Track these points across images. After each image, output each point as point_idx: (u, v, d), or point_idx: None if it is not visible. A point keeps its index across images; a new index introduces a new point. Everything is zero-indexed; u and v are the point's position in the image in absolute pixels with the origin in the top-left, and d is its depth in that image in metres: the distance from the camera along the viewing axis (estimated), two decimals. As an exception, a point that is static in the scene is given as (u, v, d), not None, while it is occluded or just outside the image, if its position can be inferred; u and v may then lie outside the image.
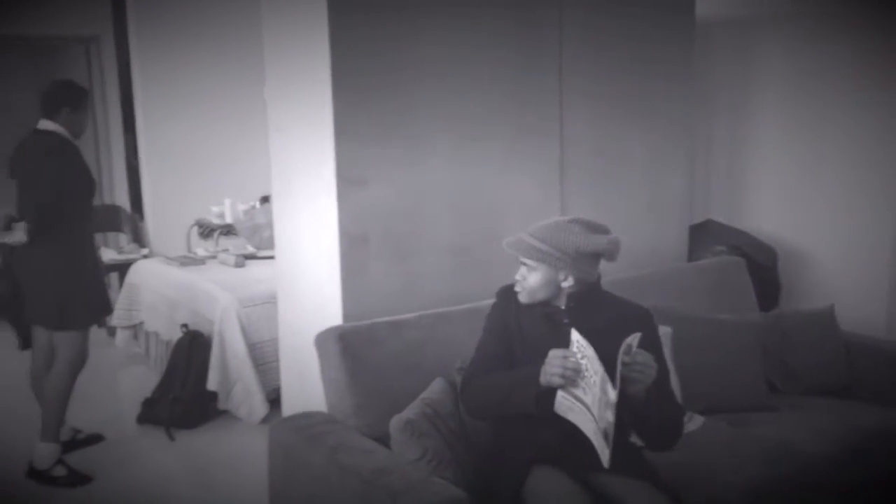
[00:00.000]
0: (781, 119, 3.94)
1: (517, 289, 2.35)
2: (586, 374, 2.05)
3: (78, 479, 3.56)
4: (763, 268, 3.79)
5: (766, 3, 3.92)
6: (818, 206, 3.84)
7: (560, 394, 2.10)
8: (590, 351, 2.05)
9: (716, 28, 4.03)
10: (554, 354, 2.09)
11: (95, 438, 3.98)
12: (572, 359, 2.06)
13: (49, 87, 3.58)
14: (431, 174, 3.04)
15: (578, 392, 2.07)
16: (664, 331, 3.05)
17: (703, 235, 3.95)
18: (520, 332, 2.35)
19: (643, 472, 2.25)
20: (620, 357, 2.04)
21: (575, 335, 2.08)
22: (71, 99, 3.56)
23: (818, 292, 3.80)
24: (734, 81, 4.10)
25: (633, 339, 2.09)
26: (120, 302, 5.23)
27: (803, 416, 2.96)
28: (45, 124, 3.53)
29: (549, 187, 3.37)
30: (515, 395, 2.18)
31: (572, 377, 2.05)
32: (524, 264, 2.31)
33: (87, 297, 3.56)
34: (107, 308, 3.88)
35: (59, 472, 3.56)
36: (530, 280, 2.30)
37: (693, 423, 2.90)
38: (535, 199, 3.31)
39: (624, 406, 2.10)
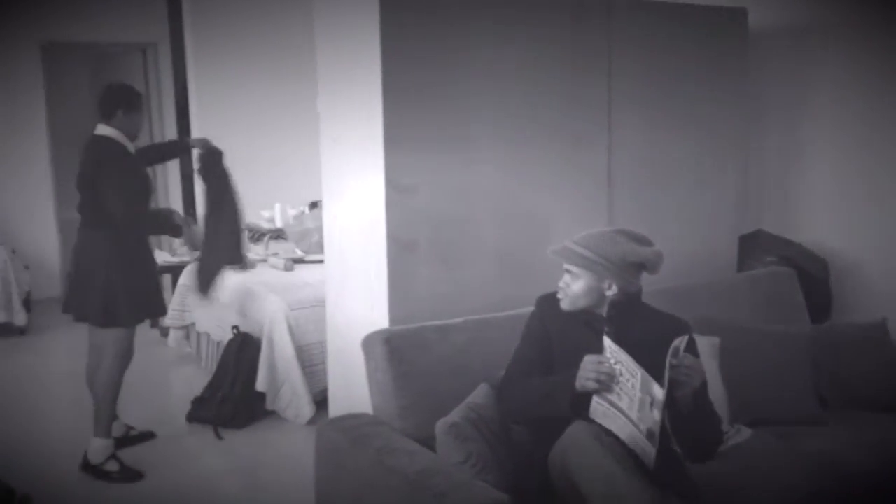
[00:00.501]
0: (835, 127, 3.87)
1: (560, 296, 2.40)
2: (621, 379, 2.08)
3: (130, 475, 3.65)
4: (814, 279, 3.73)
5: (820, 11, 3.87)
6: (871, 217, 3.77)
7: (595, 399, 2.13)
8: (623, 356, 2.09)
9: (769, 35, 3.99)
10: (588, 360, 2.14)
11: (147, 435, 4.08)
12: (606, 364, 2.10)
13: (103, 91, 3.70)
14: (479, 180, 3.06)
15: (613, 398, 2.11)
16: (712, 341, 3.04)
17: (754, 245, 3.90)
18: (559, 340, 2.39)
19: (684, 485, 2.23)
20: (669, 359, 2.07)
21: (607, 342, 2.13)
22: (125, 100, 3.65)
23: (871, 305, 3.72)
24: (787, 89, 4.04)
25: (681, 341, 2.12)
26: (173, 303, 5.34)
27: (853, 430, 2.90)
28: (102, 129, 3.63)
29: (596, 195, 3.36)
30: (551, 399, 2.22)
31: (607, 382, 2.10)
32: (568, 272, 2.36)
33: (134, 296, 3.64)
34: (158, 309, 3.97)
35: (112, 467, 3.65)
36: (574, 287, 2.35)
37: (740, 435, 2.86)
38: (582, 207, 3.31)
39: (669, 410, 2.11)
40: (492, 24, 3.03)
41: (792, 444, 2.80)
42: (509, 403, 2.40)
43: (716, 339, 3.05)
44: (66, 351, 5.68)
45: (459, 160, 3.01)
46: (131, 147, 3.68)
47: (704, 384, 2.23)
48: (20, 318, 6.04)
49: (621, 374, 2.09)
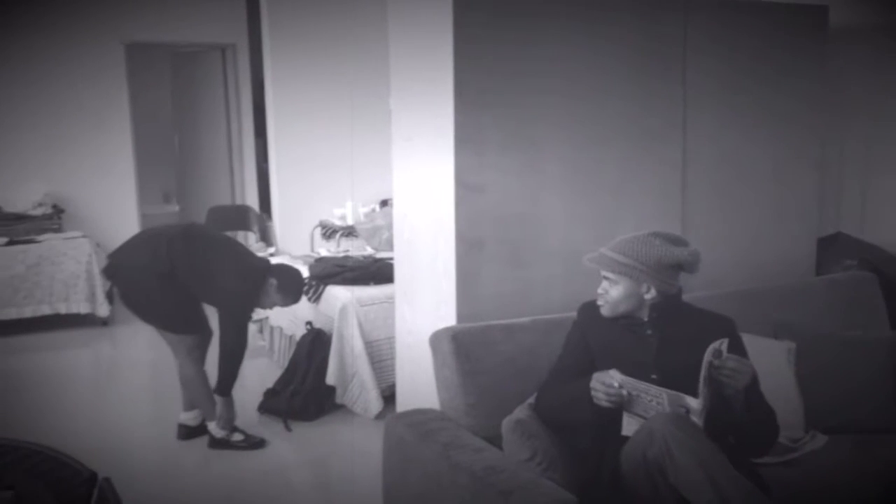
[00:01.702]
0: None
1: (599, 302, 2.43)
2: (644, 397, 2.14)
3: (254, 442, 3.95)
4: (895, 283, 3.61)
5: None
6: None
7: (625, 415, 2.19)
8: (641, 385, 2.15)
9: (852, 34, 3.87)
10: (596, 378, 2.20)
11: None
12: (613, 388, 2.15)
13: (293, 269, 4.06)
14: (548, 180, 3.06)
15: (640, 411, 2.16)
16: (789, 346, 2.97)
17: (833, 248, 3.79)
18: (600, 347, 2.41)
19: (755, 482, 2.20)
20: (708, 361, 2.10)
21: (617, 375, 2.18)
22: (287, 281, 3.97)
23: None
24: (868, 89, 3.92)
25: (721, 343, 2.15)
26: (247, 297, 5.46)
27: (934, 440, 2.81)
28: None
29: (669, 196, 3.32)
30: (578, 404, 2.26)
31: (618, 402, 2.16)
32: (606, 278, 2.40)
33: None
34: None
35: (238, 437, 3.94)
36: (612, 293, 2.38)
37: (815, 441, 2.80)
38: (653, 208, 3.27)
39: (720, 409, 2.16)
40: (563, 24, 3.02)
41: (869, 452, 2.73)
42: (543, 406, 2.44)
43: (792, 344, 2.98)
44: (147, 341, 5.86)
45: (528, 159, 3.01)
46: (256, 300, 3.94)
47: (755, 380, 2.22)
48: (103, 310, 6.25)
49: (638, 396, 2.15)
